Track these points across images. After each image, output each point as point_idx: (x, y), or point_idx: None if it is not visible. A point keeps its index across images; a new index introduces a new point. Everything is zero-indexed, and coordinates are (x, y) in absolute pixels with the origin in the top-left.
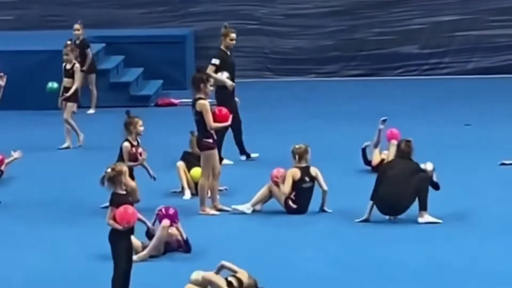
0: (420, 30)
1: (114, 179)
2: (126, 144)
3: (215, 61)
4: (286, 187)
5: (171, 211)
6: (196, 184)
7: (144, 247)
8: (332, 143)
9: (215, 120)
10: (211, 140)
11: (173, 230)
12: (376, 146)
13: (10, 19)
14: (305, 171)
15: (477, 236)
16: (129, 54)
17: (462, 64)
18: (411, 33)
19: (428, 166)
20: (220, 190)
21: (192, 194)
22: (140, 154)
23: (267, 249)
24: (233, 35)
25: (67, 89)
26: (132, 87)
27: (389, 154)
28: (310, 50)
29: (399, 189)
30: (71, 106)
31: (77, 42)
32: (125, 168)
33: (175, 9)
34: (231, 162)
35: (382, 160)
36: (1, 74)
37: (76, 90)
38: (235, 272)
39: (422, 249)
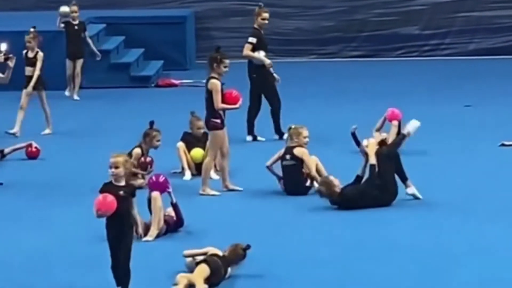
0: (421, 11)
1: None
2: (138, 150)
3: (252, 39)
4: (270, 160)
5: (161, 179)
6: (196, 164)
7: (147, 227)
8: (332, 123)
9: (224, 101)
10: (219, 120)
11: (170, 211)
12: (378, 130)
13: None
14: (288, 149)
15: (476, 217)
16: (129, 35)
17: (463, 45)
18: (412, 14)
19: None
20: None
21: (193, 175)
22: (150, 165)
23: (265, 230)
24: (265, 15)
25: (29, 77)
26: (133, 67)
27: (390, 134)
28: (310, 31)
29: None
30: (43, 94)
31: (74, 23)
32: (121, 159)
33: None
34: (277, 137)
35: (382, 140)
36: (11, 55)
37: (39, 77)
38: (204, 253)
39: (421, 231)
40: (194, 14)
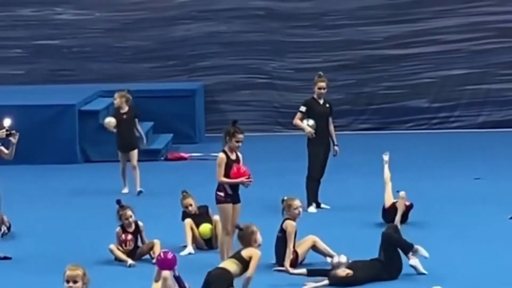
0: (430, 84)
1: None
2: (118, 229)
3: (302, 108)
4: None
5: (169, 256)
6: (205, 240)
7: None
8: (341, 195)
9: (229, 175)
10: (222, 194)
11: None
12: (387, 181)
13: (21, 73)
14: (282, 222)
15: None
16: (139, 108)
17: (472, 118)
18: (420, 87)
19: (342, 258)
20: None
21: (198, 248)
22: (126, 244)
23: None
24: (321, 84)
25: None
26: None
27: (398, 206)
28: None
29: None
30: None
31: (123, 111)
32: (80, 273)
33: (185, 63)
34: (328, 207)
35: (394, 203)
36: (13, 131)
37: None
38: None
39: None
40: (204, 87)
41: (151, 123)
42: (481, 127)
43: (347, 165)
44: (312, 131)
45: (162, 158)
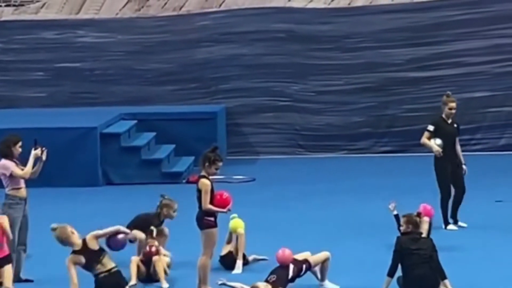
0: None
1: None
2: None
3: (430, 127)
4: None
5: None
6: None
7: None
8: (363, 218)
9: (214, 202)
10: (212, 218)
11: None
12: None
13: (43, 96)
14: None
15: None
16: (160, 131)
17: (494, 140)
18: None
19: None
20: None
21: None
22: (155, 253)
23: None
24: (452, 104)
25: None
26: (164, 163)
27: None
28: (341, 126)
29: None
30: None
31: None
32: None
33: (207, 86)
34: (465, 225)
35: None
36: (43, 148)
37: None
38: None
39: None
40: (225, 110)
41: (172, 146)
42: (503, 150)
43: (370, 187)
44: (440, 150)
45: (184, 181)
